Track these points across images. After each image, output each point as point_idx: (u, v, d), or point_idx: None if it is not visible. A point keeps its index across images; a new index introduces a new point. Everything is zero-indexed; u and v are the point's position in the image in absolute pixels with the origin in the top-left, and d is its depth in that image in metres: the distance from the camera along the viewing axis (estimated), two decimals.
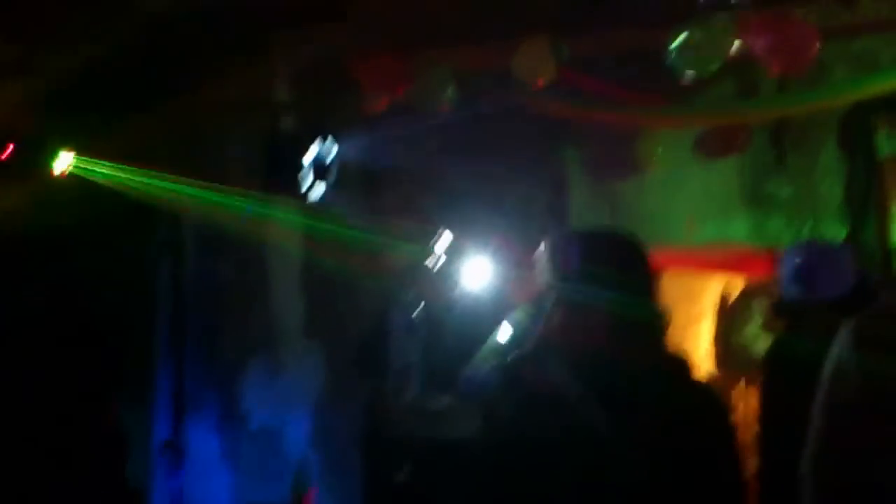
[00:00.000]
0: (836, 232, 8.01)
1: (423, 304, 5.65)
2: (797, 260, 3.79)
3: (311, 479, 4.77)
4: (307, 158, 5.59)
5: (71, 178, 4.66)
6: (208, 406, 5.47)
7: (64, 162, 4.62)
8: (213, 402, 5.51)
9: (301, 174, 5.59)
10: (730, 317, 9.90)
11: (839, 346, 2.64)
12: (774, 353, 4.19)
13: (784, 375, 3.94)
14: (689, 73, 5.53)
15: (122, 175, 4.89)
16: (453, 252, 5.79)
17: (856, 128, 8.06)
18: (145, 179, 5.01)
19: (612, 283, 2.68)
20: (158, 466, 4.91)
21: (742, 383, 10.09)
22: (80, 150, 4.68)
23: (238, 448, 5.50)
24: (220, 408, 5.53)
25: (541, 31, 5.87)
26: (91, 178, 4.80)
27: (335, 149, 5.74)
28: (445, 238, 5.75)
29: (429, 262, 5.79)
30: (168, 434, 4.79)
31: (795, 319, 3.86)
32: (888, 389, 2.46)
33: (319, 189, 5.63)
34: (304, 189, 5.58)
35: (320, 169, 5.64)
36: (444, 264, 5.73)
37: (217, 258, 5.59)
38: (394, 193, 6.16)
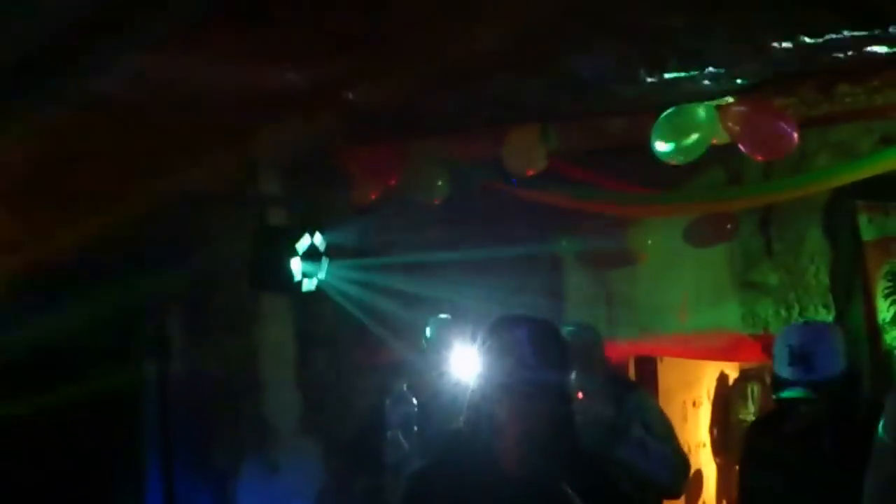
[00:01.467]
0: (823, 315, 8.05)
1: (415, 395, 5.58)
2: (796, 341, 3.77)
3: None
4: (298, 249, 5.55)
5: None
6: None
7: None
8: (208, 503, 5.39)
9: (291, 268, 5.54)
10: (726, 402, 9.90)
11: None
12: (750, 436, 4.20)
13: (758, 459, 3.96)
14: (673, 159, 5.55)
15: (105, 270, 4.79)
16: (445, 342, 5.75)
17: (838, 214, 8.14)
18: (128, 275, 4.93)
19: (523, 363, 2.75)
20: None
21: (737, 468, 10.08)
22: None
23: None
24: None
25: (530, 121, 5.88)
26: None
27: (325, 241, 5.71)
28: (438, 327, 5.70)
29: (421, 354, 5.74)
30: None
31: (791, 402, 3.83)
32: None
33: (311, 281, 5.58)
34: (295, 282, 5.53)
35: (311, 261, 5.60)
36: (437, 353, 5.68)
37: (206, 356, 5.49)
38: (387, 282, 6.11)
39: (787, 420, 3.85)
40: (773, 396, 3.99)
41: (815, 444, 3.70)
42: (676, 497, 4.78)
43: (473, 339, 5.75)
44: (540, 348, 2.80)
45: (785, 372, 3.76)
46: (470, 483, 2.77)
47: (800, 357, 3.70)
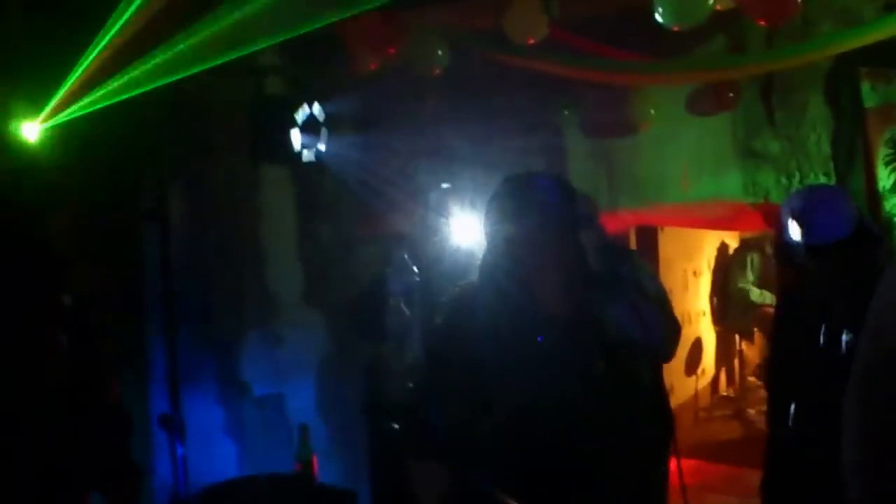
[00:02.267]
0: (823, 183, 8.05)
1: (416, 264, 5.61)
2: (797, 204, 3.75)
3: (316, 447, 4.70)
4: (298, 119, 5.50)
5: (43, 147, 4.51)
6: (207, 378, 5.38)
7: (34, 129, 4.46)
8: (211, 374, 5.42)
9: (290, 138, 5.51)
10: (726, 272, 9.98)
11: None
12: (786, 301, 4.17)
13: (796, 321, 3.94)
14: (675, 23, 5.46)
15: (102, 142, 4.74)
16: (446, 209, 5.75)
17: (841, 81, 8.09)
18: (127, 145, 4.88)
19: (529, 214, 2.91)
20: (159, 440, 4.82)
21: (737, 337, 10.19)
22: (51, 116, 4.52)
23: (240, 418, 5.43)
24: (220, 379, 5.45)
25: None
26: (67, 147, 4.63)
27: (324, 111, 5.66)
28: (439, 197, 5.69)
29: (423, 221, 5.75)
30: (166, 408, 4.71)
31: (797, 264, 3.82)
32: None
33: (311, 152, 5.55)
34: (294, 153, 5.50)
35: (310, 132, 5.56)
36: (437, 222, 5.68)
37: (206, 226, 5.49)
38: (387, 153, 6.08)
39: (804, 287, 3.85)
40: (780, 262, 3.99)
41: (829, 310, 3.69)
42: (666, 361, 4.79)
43: (473, 207, 5.79)
44: (557, 194, 2.97)
45: (788, 237, 3.75)
46: (493, 330, 2.90)
47: (799, 220, 3.69)
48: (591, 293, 3.03)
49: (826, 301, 3.70)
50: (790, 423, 3.86)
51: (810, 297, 3.78)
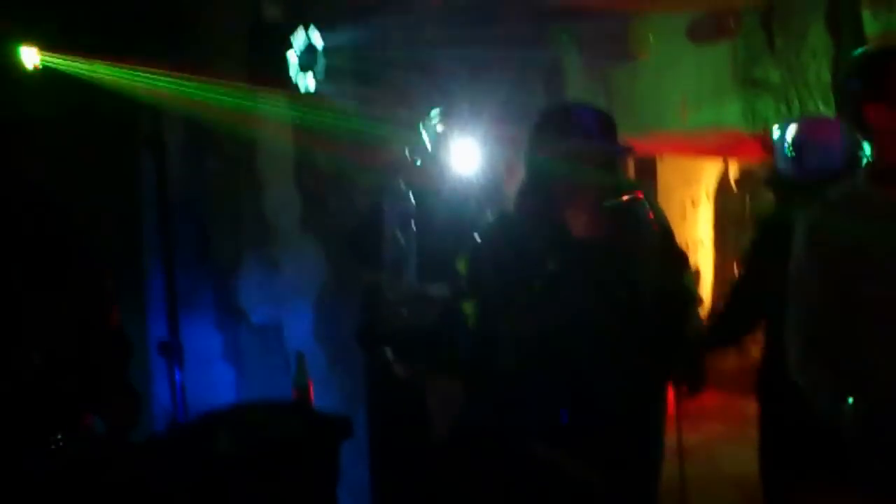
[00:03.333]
0: (823, 112, 8.00)
1: (413, 193, 5.59)
2: (790, 134, 3.73)
3: (313, 375, 4.74)
4: (294, 48, 5.46)
5: (40, 74, 4.47)
6: (205, 304, 5.40)
7: (30, 57, 4.42)
8: (209, 300, 5.43)
9: (289, 65, 5.47)
10: (724, 201, 10.00)
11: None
12: (764, 223, 4.17)
13: (771, 245, 3.96)
14: None
15: (97, 68, 4.71)
16: (444, 137, 5.73)
17: (842, 8, 8.02)
18: (122, 72, 4.85)
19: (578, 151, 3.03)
20: (157, 366, 4.84)
21: (736, 265, 10.22)
22: (48, 44, 4.49)
23: (238, 344, 5.46)
24: (218, 305, 5.46)
25: None
26: (62, 73, 4.59)
27: (322, 39, 5.62)
28: (435, 123, 5.67)
29: (420, 150, 5.72)
30: (164, 334, 4.72)
31: (787, 194, 3.82)
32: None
33: (308, 80, 5.51)
34: (292, 80, 5.46)
35: (308, 59, 5.52)
36: (434, 150, 5.66)
37: (203, 153, 5.46)
38: (385, 82, 6.04)
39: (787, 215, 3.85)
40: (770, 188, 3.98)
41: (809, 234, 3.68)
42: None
43: (470, 133, 5.77)
44: (603, 125, 3.11)
45: (780, 165, 3.74)
46: (526, 260, 2.98)
47: (793, 150, 3.67)
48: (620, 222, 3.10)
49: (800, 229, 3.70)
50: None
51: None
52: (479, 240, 3.35)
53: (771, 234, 3.96)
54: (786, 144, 3.71)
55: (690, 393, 4.55)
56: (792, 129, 3.76)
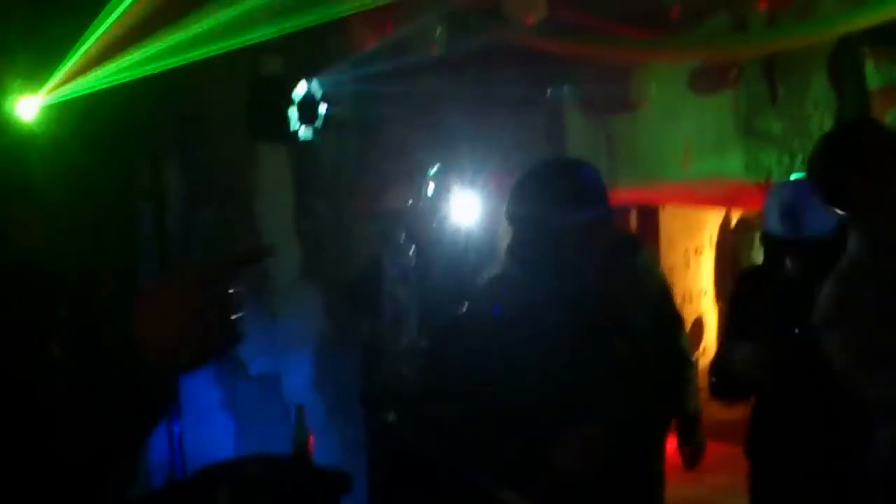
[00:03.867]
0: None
1: (414, 245, 5.60)
2: (781, 198, 3.73)
3: (312, 425, 4.72)
4: (293, 99, 5.49)
5: (38, 125, 4.48)
6: None
7: (31, 106, 4.43)
8: None
9: (287, 116, 5.49)
10: (728, 249, 9.96)
11: None
12: (741, 279, 4.19)
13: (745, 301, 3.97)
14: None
15: (97, 120, 4.72)
16: (444, 190, 5.75)
17: (845, 60, 8.05)
18: (123, 124, 4.86)
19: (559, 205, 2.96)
20: None
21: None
22: (48, 94, 4.50)
23: (237, 395, 5.43)
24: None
25: None
26: (62, 123, 4.60)
27: (322, 89, 5.65)
28: (437, 176, 5.69)
29: (420, 202, 5.74)
30: None
31: (775, 254, 3.82)
32: None
33: (307, 131, 5.53)
34: (291, 131, 5.48)
35: (307, 110, 5.54)
36: (435, 202, 5.68)
37: (202, 204, 5.47)
38: (385, 134, 6.06)
39: (776, 275, 3.85)
40: (763, 253, 3.98)
41: (804, 299, 3.68)
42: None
43: (471, 185, 5.78)
44: (582, 189, 3.01)
45: (773, 229, 3.73)
46: (524, 315, 2.94)
47: (788, 215, 3.67)
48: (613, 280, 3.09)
49: (794, 293, 3.69)
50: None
51: (780, 285, 3.78)
52: (465, 306, 3.27)
53: (755, 288, 3.97)
54: (782, 208, 3.71)
55: (690, 464, 4.54)
56: (781, 194, 3.76)
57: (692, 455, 4.54)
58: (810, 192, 3.74)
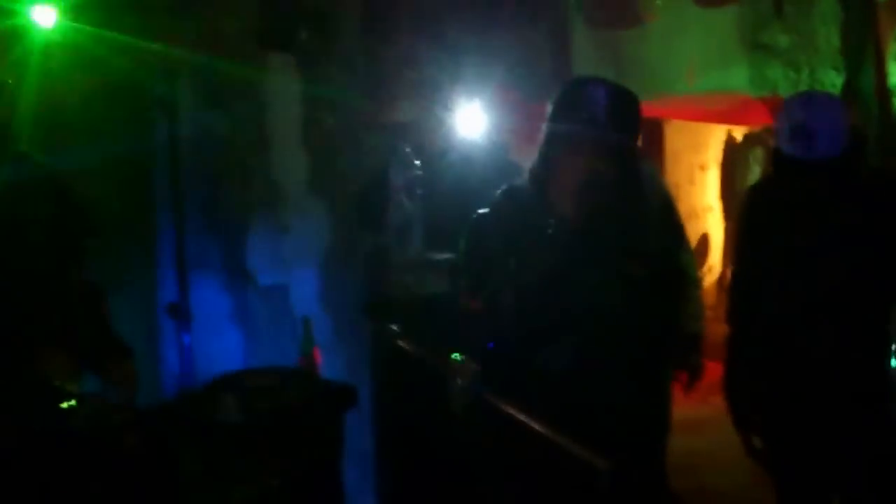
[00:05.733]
0: (833, 78, 7.97)
1: (419, 157, 5.60)
2: (796, 116, 3.71)
3: (319, 338, 4.77)
4: (304, 11, 5.46)
5: (56, 32, 4.47)
6: (213, 267, 5.40)
7: (46, 14, 4.40)
8: (218, 262, 5.44)
9: (297, 28, 5.47)
10: (732, 166, 9.97)
11: None
12: (749, 196, 4.18)
13: (754, 220, 3.98)
14: None
15: (111, 32, 4.71)
16: (451, 103, 5.73)
17: None
18: (137, 36, 4.85)
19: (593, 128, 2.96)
20: (166, 327, 4.88)
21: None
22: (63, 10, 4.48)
23: (246, 307, 5.48)
24: (226, 268, 5.47)
25: None
26: (77, 38, 4.59)
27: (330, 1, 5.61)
28: (443, 89, 5.67)
29: (427, 115, 5.73)
30: (173, 295, 4.75)
31: (784, 171, 3.82)
32: None
33: (317, 42, 5.51)
34: (301, 43, 5.46)
35: (317, 22, 5.51)
36: (441, 116, 5.67)
37: (214, 116, 5.46)
38: (393, 46, 6.03)
39: (785, 190, 3.86)
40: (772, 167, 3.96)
41: (813, 214, 3.70)
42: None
43: (479, 98, 5.77)
44: (612, 110, 2.98)
45: (785, 146, 3.72)
46: (526, 225, 2.93)
47: (801, 134, 3.65)
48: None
49: (805, 209, 3.71)
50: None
51: (790, 201, 3.79)
52: (481, 212, 3.29)
53: (763, 203, 3.97)
54: (787, 128, 3.70)
55: (689, 384, 4.59)
56: (794, 112, 3.74)
57: (689, 378, 4.60)
58: (822, 110, 3.75)
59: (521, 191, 3.16)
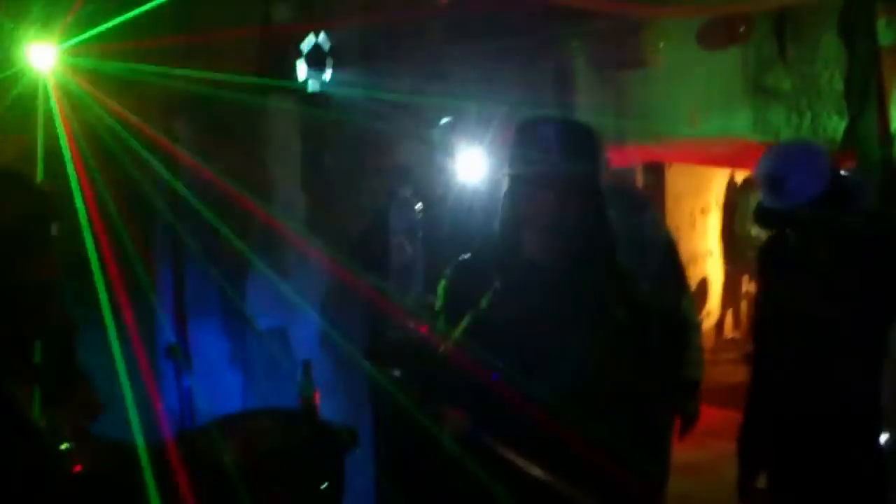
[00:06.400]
0: (835, 123, 7.98)
1: (420, 201, 5.60)
2: (766, 167, 3.71)
3: (319, 382, 4.74)
4: (303, 49, 5.45)
5: (52, 76, 4.46)
6: (212, 309, 5.38)
7: (44, 56, 4.39)
8: (217, 305, 5.42)
9: (297, 65, 5.47)
10: (731, 211, 9.96)
11: None
12: (763, 254, 4.17)
13: (772, 274, 3.96)
14: None
15: (110, 67, 4.70)
16: (451, 145, 5.73)
17: (856, 17, 7.98)
18: (136, 77, 4.85)
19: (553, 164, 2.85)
20: (166, 369, 4.85)
21: (744, 278, 10.20)
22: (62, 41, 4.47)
23: (245, 350, 5.45)
24: (225, 311, 5.45)
25: None
26: (75, 79, 4.59)
27: (329, 42, 5.61)
28: (444, 129, 5.67)
29: (428, 157, 5.73)
30: (173, 337, 4.73)
31: (777, 223, 3.82)
32: None
33: (317, 81, 5.51)
34: (300, 81, 5.46)
35: (317, 59, 5.51)
36: (442, 158, 5.67)
37: (212, 156, 5.45)
38: (394, 86, 6.03)
39: (771, 241, 3.88)
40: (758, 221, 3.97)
41: (813, 267, 3.68)
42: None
43: (479, 142, 5.76)
44: (567, 143, 2.87)
45: (765, 197, 3.72)
46: (500, 271, 2.87)
47: (770, 184, 3.65)
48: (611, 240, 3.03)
49: (804, 258, 3.70)
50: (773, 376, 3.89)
51: (788, 255, 3.78)
52: (463, 257, 3.16)
53: (770, 265, 3.98)
54: (762, 180, 3.70)
55: (683, 429, 4.57)
56: (764, 163, 3.74)
57: (684, 424, 4.58)
58: (789, 158, 3.73)
59: (496, 237, 3.09)
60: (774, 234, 4.00)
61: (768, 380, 3.88)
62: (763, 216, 3.77)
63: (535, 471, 2.67)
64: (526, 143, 2.89)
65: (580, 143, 2.92)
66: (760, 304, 4.11)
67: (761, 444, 3.92)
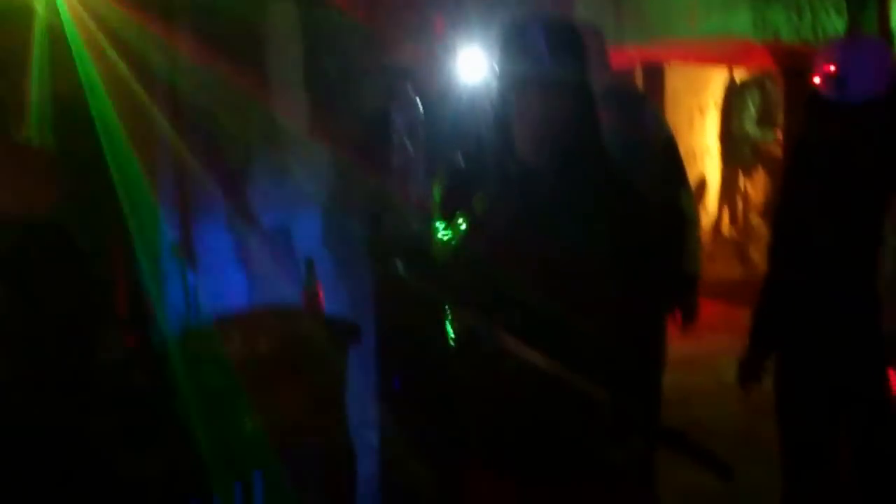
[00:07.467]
0: (835, 20, 7.94)
1: (421, 99, 5.60)
2: (835, 56, 3.68)
3: (322, 279, 4.80)
4: None
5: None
6: (216, 208, 5.42)
7: None
8: (220, 204, 5.45)
9: None
10: (732, 109, 9.96)
11: None
12: (803, 148, 4.15)
13: (805, 169, 3.97)
14: None
15: None
16: (452, 43, 5.73)
17: None
18: None
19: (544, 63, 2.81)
20: (170, 268, 4.91)
21: (741, 174, 10.24)
22: None
23: (249, 248, 5.49)
24: (229, 209, 5.49)
25: None
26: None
27: None
28: (444, 30, 5.66)
29: (428, 56, 5.73)
30: (177, 236, 4.78)
31: (827, 116, 3.80)
32: None
33: None
34: None
35: None
36: (443, 56, 5.67)
37: (214, 56, 5.44)
38: None
39: (820, 134, 3.86)
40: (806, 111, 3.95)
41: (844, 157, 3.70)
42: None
43: (480, 41, 5.76)
44: (555, 45, 2.83)
45: (823, 87, 3.69)
46: (493, 173, 2.90)
47: (834, 74, 3.62)
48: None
49: (848, 156, 3.71)
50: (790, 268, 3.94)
51: (832, 149, 3.78)
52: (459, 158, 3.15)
53: (809, 155, 3.98)
54: (828, 67, 3.67)
55: (683, 323, 4.65)
56: (836, 52, 3.72)
57: (685, 317, 4.66)
58: (857, 51, 3.72)
59: (485, 141, 3.08)
60: (817, 128, 3.99)
61: (788, 265, 3.93)
62: (821, 108, 3.74)
63: (543, 361, 2.71)
64: (513, 44, 2.86)
65: (569, 43, 2.89)
66: (791, 193, 4.07)
67: (775, 326, 4.00)
